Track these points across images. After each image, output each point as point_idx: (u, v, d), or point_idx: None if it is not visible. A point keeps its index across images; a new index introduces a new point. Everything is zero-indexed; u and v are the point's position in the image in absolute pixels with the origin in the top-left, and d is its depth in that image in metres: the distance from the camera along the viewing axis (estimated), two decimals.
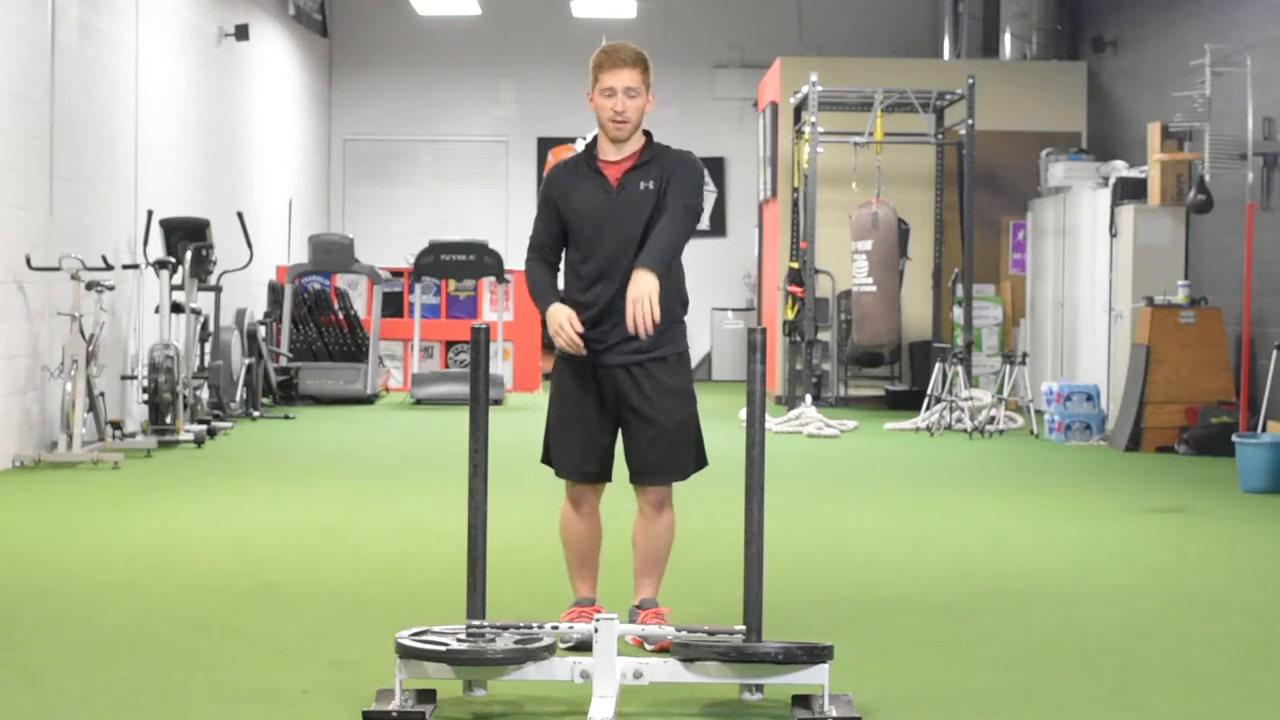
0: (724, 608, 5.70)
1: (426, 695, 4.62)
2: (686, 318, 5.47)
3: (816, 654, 4.53)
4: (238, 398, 13.99)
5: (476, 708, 4.66)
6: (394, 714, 4.48)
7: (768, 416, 13.94)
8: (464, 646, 4.56)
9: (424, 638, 4.62)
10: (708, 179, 5.94)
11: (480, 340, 4.73)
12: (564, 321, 5.23)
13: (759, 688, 4.66)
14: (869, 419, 14.49)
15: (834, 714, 4.49)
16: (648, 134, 5.40)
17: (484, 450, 4.76)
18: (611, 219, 5.31)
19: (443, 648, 4.56)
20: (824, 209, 15.25)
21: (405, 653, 4.54)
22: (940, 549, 7.68)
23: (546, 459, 5.51)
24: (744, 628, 4.64)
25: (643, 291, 5.09)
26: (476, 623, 4.71)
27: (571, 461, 5.44)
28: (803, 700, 4.62)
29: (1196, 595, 6.66)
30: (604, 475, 5.47)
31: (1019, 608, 6.24)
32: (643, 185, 5.29)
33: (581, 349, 5.25)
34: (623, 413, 5.39)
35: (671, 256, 5.27)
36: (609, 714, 4.34)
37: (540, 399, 16.95)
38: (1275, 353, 11.21)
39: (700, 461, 5.49)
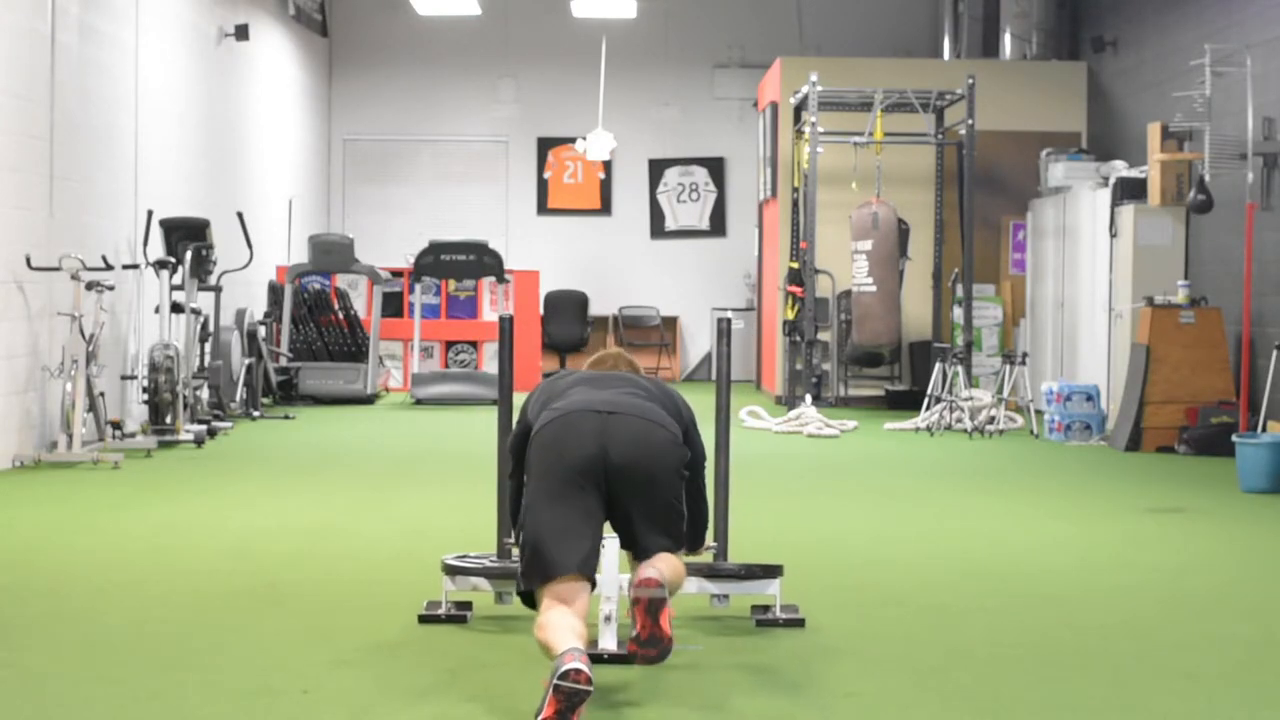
0: None
1: (465, 605, 5.70)
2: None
3: (770, 571, 5.72)
4: (238, 398, 13.98)
5: (506, 614, 5.64)
6: (443, 616, 5.62)
7: (768, 417, 13.99)
8: (497, 564, 5.66)
9: (465, 559, 5.73)
10: None
11: (505, 330, 5.69)
12: None
13: (725, 597, 5.73)
14: (869, 419, 14.49)
15: (784, 618, 5.65)
16: None
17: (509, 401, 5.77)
18: None
19: (480, 566, 5.66)
20: (824, 209, 15.25)
21: (451, 570, 5.65)
22: (940, 549, 7.67)
23: None
24: (714, 545, 5.69)
25: None
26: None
27: None
28: (760, 608, 5.79)
29: (1196, 595, 6.66)
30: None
31: (1019, 607, 6.24)
32: None
33: None
34: None
35: None
36: (614, 623, 4.97)
37: None
38: (1275, 353, 11.21)
39: None
